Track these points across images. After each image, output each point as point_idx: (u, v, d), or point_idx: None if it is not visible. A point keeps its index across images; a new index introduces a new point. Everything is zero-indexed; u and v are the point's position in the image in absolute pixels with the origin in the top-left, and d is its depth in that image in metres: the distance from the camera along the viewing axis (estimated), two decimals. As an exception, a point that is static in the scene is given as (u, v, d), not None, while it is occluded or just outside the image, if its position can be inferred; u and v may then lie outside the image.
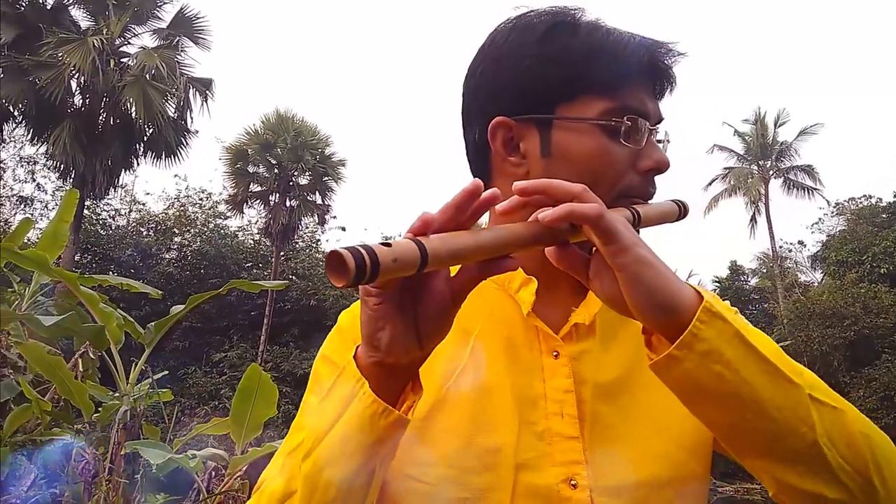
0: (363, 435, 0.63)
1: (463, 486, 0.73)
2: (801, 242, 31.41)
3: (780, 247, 30.03)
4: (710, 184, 29.90)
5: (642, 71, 0.79)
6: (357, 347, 0.66)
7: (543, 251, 0.68)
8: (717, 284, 30.88)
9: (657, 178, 0.82)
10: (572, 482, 0.73)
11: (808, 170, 28.30)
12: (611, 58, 0.77)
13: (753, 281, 31.61)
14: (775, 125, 28.94)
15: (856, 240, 24.42)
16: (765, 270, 31.34)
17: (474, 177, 0.86)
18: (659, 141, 0.83)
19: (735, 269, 30.53)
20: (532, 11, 0.83)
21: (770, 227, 28.12)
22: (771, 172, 28.69)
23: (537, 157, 0.79)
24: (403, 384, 0.66)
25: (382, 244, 0.53)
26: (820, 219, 29.14)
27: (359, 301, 0.90)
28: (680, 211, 0.83)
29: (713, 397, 0.62)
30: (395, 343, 0.62)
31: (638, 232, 0.76)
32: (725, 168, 29.73)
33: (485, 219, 0.75)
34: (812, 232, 32.21)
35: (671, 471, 0.76)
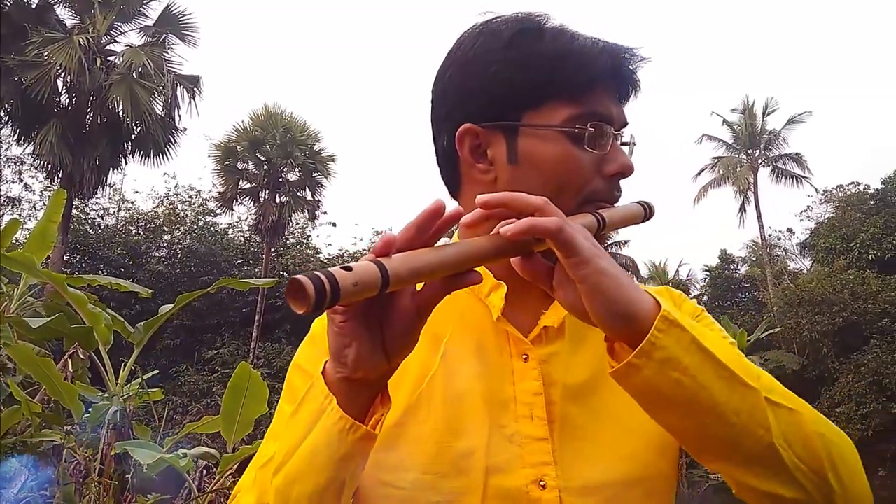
0: (332, 450, 0.65)
1: (436, 491, 0.74)
2: (789, 230, 31.64)
3: (769, 235, 30.24)
4: (699, 173, 30.07)
5: (607, 76, 0.80)
6: (325, 362, 0.67)
7: None
8: (708, 273, 31.03)
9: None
10: (541, 483, 0.74)
11: (797, 158, 28.46)
12: (576, 64, 0.78)
13: (743, 269, 31.78)
14: (764, 114, 29.07)
15: (844, 227, 24.58)
16: (754, 259, 31.51)
17: (444, 182, 0.88)
18: (625, 143, 0.84)
19: (725, 257, 30.68)
20: (498, 17, 0.84)
21: (759, 216, 28.30)
22: (759, 161, 28.83)
23: (504, 163, 0.80)
24: (372, 397, 0.67)
25: (343, 268, 0.55)
26: (808, 206, 29.36)
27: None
28: (645, 212, 0.84)
29: (672, 403, 0.64)
30: (362, 359, 0.63)
31: (604, 237, 0.79)
32: (714, 157, 29.86)
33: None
34: (801, 220, 32.42)
35: (640, 470, 0.77)
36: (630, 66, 0.82)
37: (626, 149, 0.84)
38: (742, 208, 28.91)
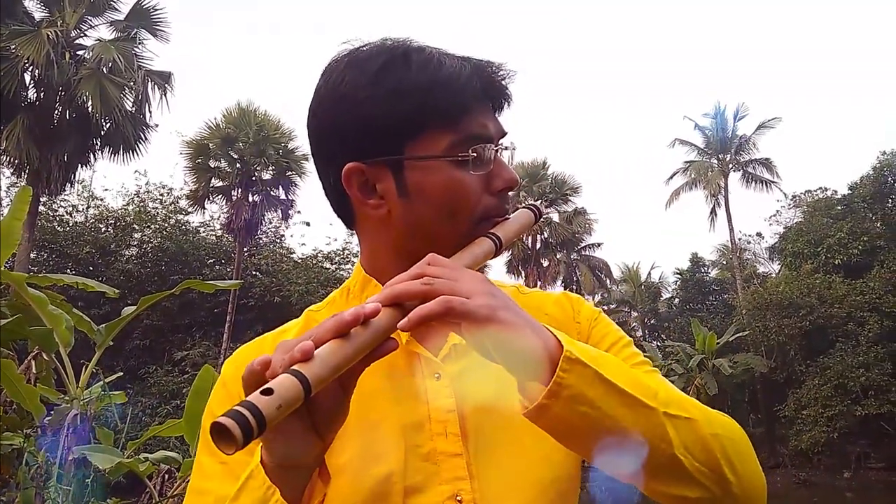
0: None
1: None
2: (759, 234, 32.15)
3: (739, 239, 30.73)
4: (671, 177, 30.41)
5: (479, 94, 0.82)
6: (261, 449, 0.69)
7: None
8: (679, 276, 31.39)
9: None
10: (458, 498, 0.77)
11: (766, 163, 28.88)
12: (447, 92, 0.79)
13: (713, 272, 32.23)
14: (735, 119, 29.51)
15: (811, 231, 25.01)
16: (724, 262, 31.96)
17: (338, 216, 0.89)
18: (505, 148, 0.86)
19: (696, 260, 31.09)
20: (362, 49, 0.84)
21: (729, 220, 28.70)
22: (730, 165, 29.22)
23: (395, 197, 0.81)
24: (311, 474, 0.71)
25: (263, 392, 0.57)
26: (777, 211, 29.74)
27: (243, 348, 0.92)
28: (536, 215, 0.88)
29: (582, 433, 0.69)
30: (294, 448, 0.66)
31: (503, 250, 0.82)
32: (686, 162, 30.23)
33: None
34: (770, 224, 32.79)
35: (552, 472, 0.81)
36: (499, 80, 0.84)
37: (507, 154, 0.86)
38: (713, 212, 29.30)
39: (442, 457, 0.79)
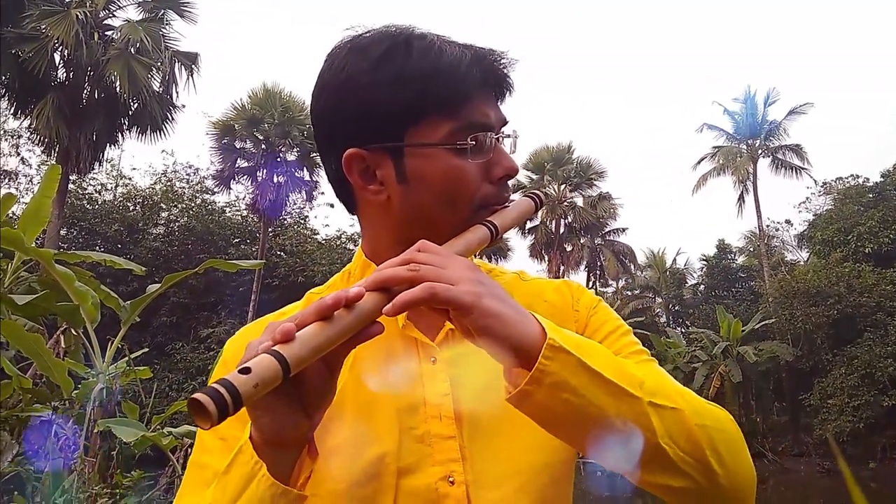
0: None
1: (350, 497, 0.78)
2: (788, 221, 31.61)
3: (768, 226, 30.25)
4: (698, 162, 29.99)
5: (480, 82, 0.82)
6: (250, 426, 0.71)
7: None
8: (705, 262, 31.07)
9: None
10: (450, 479, 0.79)
11: (797, 149, 28.36)
12: (447, 80, 0.79)
13: (740, 259, 31.84)
14: (765, 104, 28.95)
15: (842, 219, 24.55)
16: (752, 249, 31.52)
17: (340, 200, 0.90)
18: (507, 136, 0.86)
19: (723, 247, 30.73)
20: (365, 35, 0.84)
21: (758, 206, 28.25)
22: (760, 151, 28.74)
23: (395, 183, 0.82)
24: (298, 453, 0.72)
25: (241, 370, 0.58)
26: (807, 198, 29.21)
27: (244, 328, 0.93)
28: (537, 204, 0.89)
29: (565, 420, 0.70)
30: (280, 425, 0.68)
31: (499, 240, 0.83)
32: (714, 147, 29.77)
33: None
34: (799, 211, 32.25)
35: (545, 457, 0.82)
36: (501, 69, 0.84)
37: (508, 142, 0.87)
38: (741, 198, 28.88)
39: (435, 439, 0.80)
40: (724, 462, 0.72)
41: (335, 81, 0.83)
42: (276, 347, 0.61)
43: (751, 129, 28.85)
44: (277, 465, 0.69)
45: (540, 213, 30.57)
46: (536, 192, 0.89)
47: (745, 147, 29.10)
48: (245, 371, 0.58)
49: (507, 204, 0.86)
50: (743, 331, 23.07)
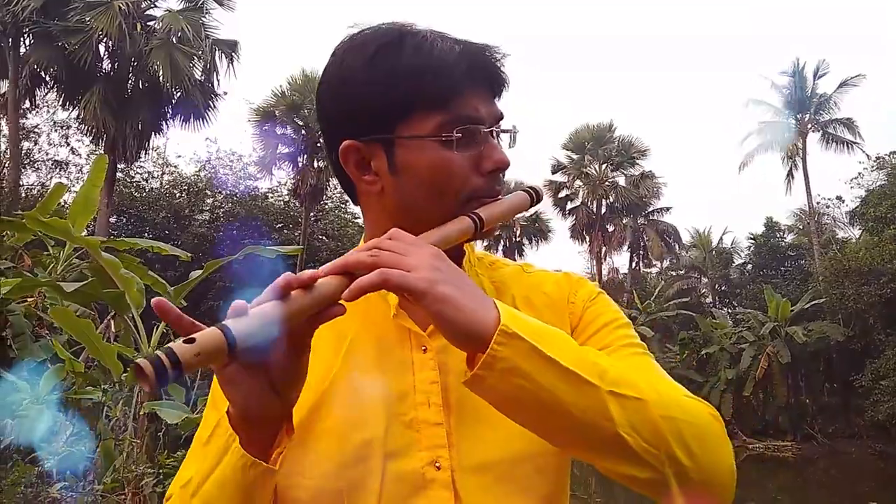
0: (237, 482, 0.74)
1: (338, 478, 0.81)
2: (839, 198, 30.53)
3: (818, 203, 29.34)
4: (745, 139, 29.18)
5: (471, 78, 0.84)
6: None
7: None
8: (752, 241, 30.37)
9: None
10: (436, 464, 0.81)
11: (848, 123, 27.36)
12: (436, 76, 0.82)
13: (789, 238, 30.98)
14: (814, 77, 27.96)
15: (895, 195, 23.69)
16: (801, 227, 30.68)
17: (343, 189, 0.94)
18: (505, 131, 0.88)
19: (771, 225, 29.93)
20: (363, 31, 0.88)
21: (807, 183, 27.42)
22: (809, 126, 27.84)
23: (387, 174, 0.85)
24: (275, 431, 0.76)
25: (186, 340, 0.61)
26: (859, 173, 28.04)
27: None
28: (532, 198, 0.91)
29: (521, 405, 0.71)
30: (251, 402, 0.71)
31: (491, 231, 0.85)
32: (761, 122, 28.94)
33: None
34: (851, 187, 31.08)
35: (530, 446, 0.82)
36: (492, 64, 0.87)
37: (506, 137, 0.89)
38: (789, 175, 28.07)
39: (423, 425, 0.83)
40: (694, 454, 0.72)
41: (334, 77, 0.87)
42: (225, 322, 0.64)
43: (800, 103, 27.91)
44: (252, 440, 0.74)
45: (581, 193, 30.63)
46: (534, 186, 0.91)
47: (793, 121, 28.22)
48: (189, 341, 0.61)
49: (498, 197, 0.88)
50: (792, 311, 22.52)
